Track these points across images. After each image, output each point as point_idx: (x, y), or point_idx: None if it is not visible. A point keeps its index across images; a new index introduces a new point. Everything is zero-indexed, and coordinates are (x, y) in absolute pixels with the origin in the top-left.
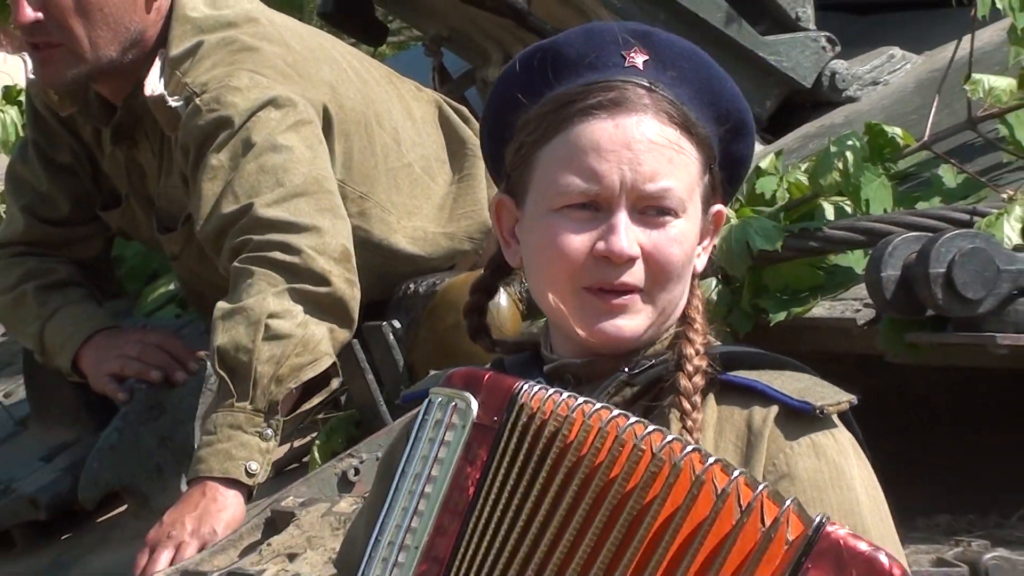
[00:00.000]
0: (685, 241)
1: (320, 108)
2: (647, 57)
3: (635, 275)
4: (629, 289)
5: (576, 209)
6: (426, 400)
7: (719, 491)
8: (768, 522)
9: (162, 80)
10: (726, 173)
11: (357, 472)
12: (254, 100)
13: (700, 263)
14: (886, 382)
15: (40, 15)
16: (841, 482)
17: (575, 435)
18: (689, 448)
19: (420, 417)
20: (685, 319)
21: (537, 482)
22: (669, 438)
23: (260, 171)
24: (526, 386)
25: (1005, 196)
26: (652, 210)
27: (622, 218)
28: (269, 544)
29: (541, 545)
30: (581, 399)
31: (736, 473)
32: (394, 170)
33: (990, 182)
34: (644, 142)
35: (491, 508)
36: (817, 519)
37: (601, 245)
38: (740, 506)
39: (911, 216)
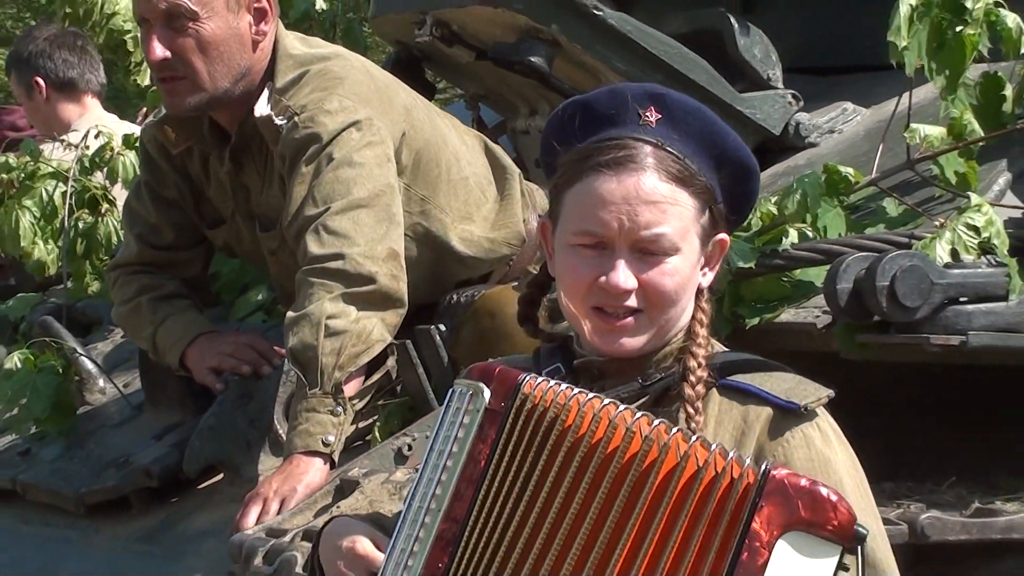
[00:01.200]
0: (677, 274)
1: (397, 126)
2: (660, 116)
3: (633, 301)
4: (629, 311)
5: (586, 247)
6: (450, 390)
7: (700, 463)
8: (736, 476)
9: (269, 104)
10: (731, 208)
11: (410, 448)
12: (340, 122)
13: (706, 281)
14: (841, 375)
15: (168, 54)
16: (828, 468)
17: (572, 419)
18: (674, 430)
19: (445, 404)
20: (690, 334)
21: (532, 454)
22: (656, 422)
23: (336, 181)
24: (528, 378)
25: (937, 223)
26: (647, 251)
27: (620, 259)
28: (338, 507)
29: (536, 504)
30: (576, 390)
31: (714, 447)
32: (454, 182)
33: (925, 212)
34: (641, 198)
35: (499, 477)
36: (764, 466)
37: (603, 279)
38: (716, 470)
39: (861, 239)
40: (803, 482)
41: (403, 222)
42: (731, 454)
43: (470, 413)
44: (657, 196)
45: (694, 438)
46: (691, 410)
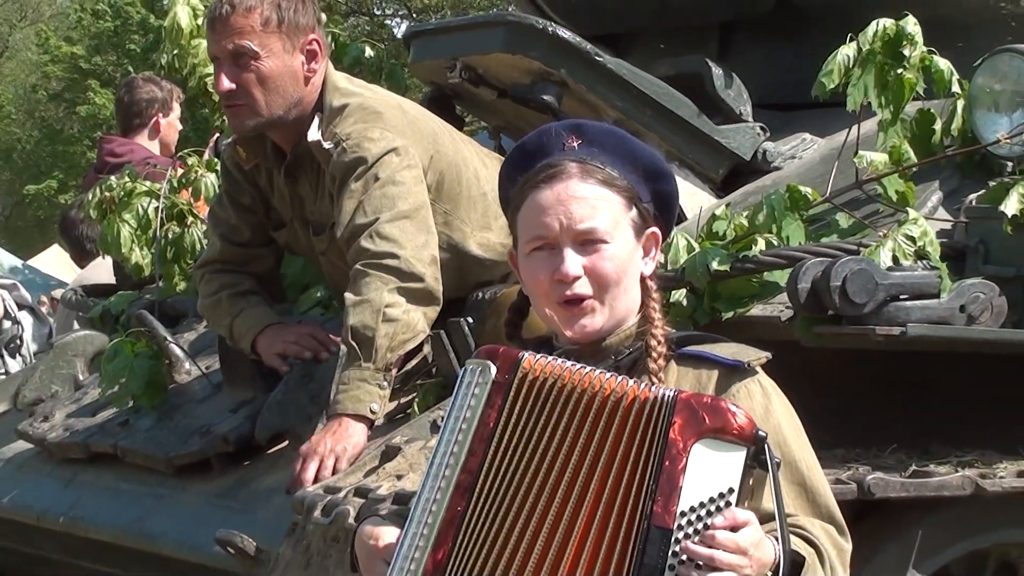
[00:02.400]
0: (616, 258)
1: (425, 152)
2: (580, 141)
3: (583, 287)
4: (582, 298)
5: (538, 251)
6: (463, 368)
7: (632, 395)
8: (654, 399)
9: (319, 131)
10: (658, 206)
11: (443, 420)
12: (382, 148)
13: (647, 269)
14: (801, 359)
15: (233, 86)
16: (768, 415)
17: (563, 383)
18: (631, 382)
19: (459, 380)
20: (647, 319)
21: (531, 414)
22: (619, 377)
23: (383, 196)
24: (527, 355)
25: (881, 234)
26: (587, 242)
27: (567, 251)
28: (384, 468)
29: (537, 454)
30: (560, 360)
31: (643, 386)
32: (473, 197)
33: (871, 224)
34: (572, 198)
35: (506, 436)
36: (672, 391)
37: (556, 273)
38: (641, 397)
39: (817, 247)
40: (706, 399)
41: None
42: (651, 386)
43: (480, 385)
44: (585, 194)
45: (631, 381)
46: (654, 380)
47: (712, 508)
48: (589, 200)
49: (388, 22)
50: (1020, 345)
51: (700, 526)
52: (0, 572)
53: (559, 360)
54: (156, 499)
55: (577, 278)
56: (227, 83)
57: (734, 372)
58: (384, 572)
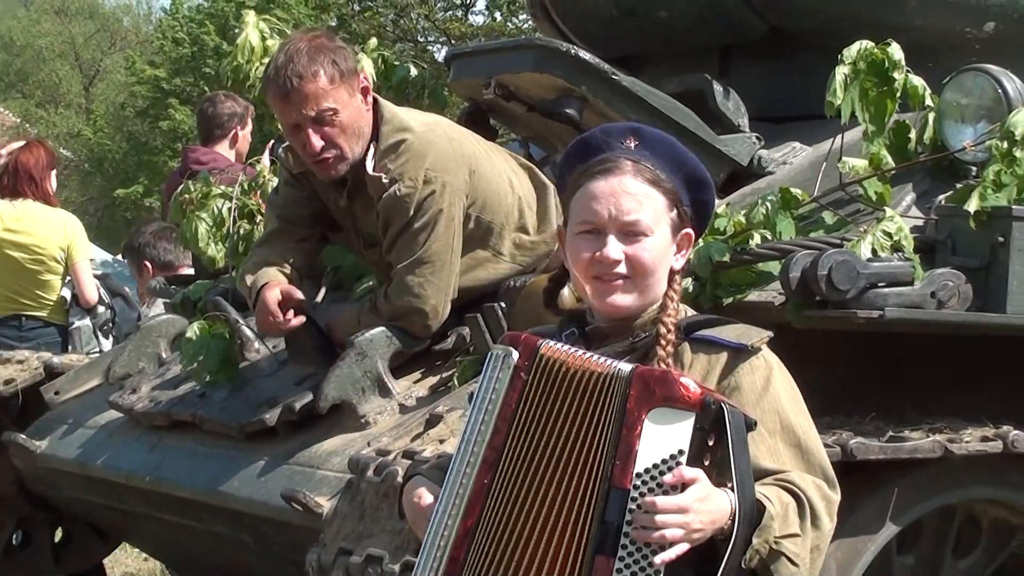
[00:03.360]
0: (654, 250)
1: (467, 173)
2: (637, 143)
3: (621, 270)
4: (619, 276)
5: (586, 233)
6: (489, 353)
7: (602, 372)
8: (616, 375)
9: (373, 163)
10: (694, 211)
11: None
12: (427, 191)
13: (677, 264)
14: (792, 339)
15: (323, 143)
16: (768, 388)
17: (571, 368)
18: (607, 361)
19: (486, 364)
20: (664, 306)
21: (547, 397)
22: (603, 359)
23: (419, 232)
24: (545, 343)
25: (862, 229)
26: (630, 232)
27: (611, 238)
28: (428, 434)
29: (545, 433)
30: (575, 349)
31: (607, 363)
32: (508, 204)
33: (853, 221)
34: (622, 192)
35: (525, 415)
36: (630, 367)
37: (598, 254)
38: (608, 374)
39: (806, 241)
40: (658, 372)
41: (459, 261)
42: (612, 363)
43: (504, 370)
44: (634, 191)
45: (607, 361)
46: (663, 365)
47: (664, 468)
48: (637, 196)
49: (430, 47)
50: (984, 327)
51: (654, 485)
52: (93, 524)
53: (570, 347)
54: (229, 461)
55: (617, 262)
56: (317, 143)
57: (740, 353)
58: (425, 529)
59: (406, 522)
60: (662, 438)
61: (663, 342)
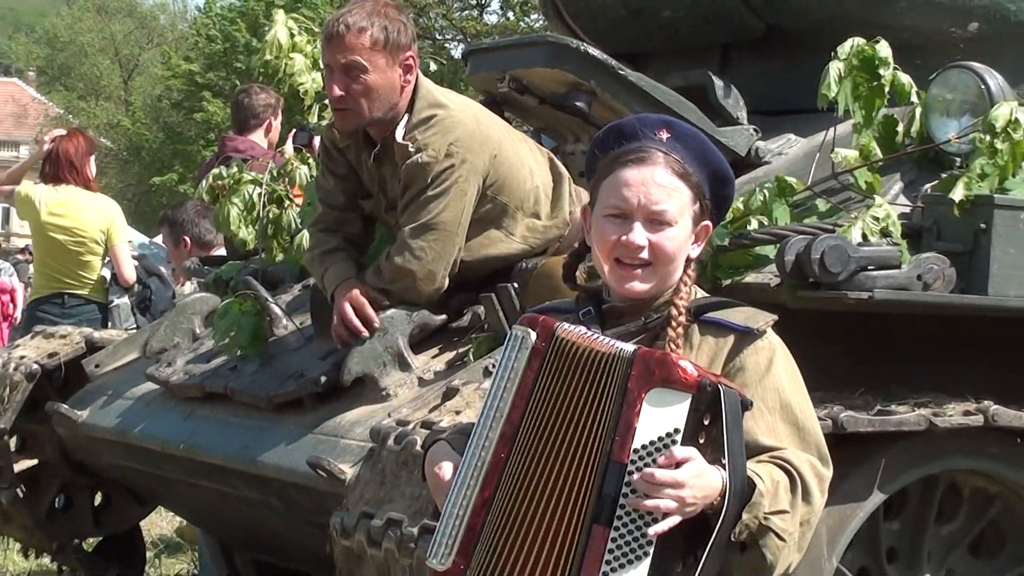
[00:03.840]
0: (675, 239)
1: (489, 155)
2: (669, 135)
3: (644, 256)
4: (641, 263)
5: (614, 217)
6: (509, 333)
7: (609, 353)
8: (620, 356)
9: (404, 132)
10: (715, 204)
11: (494, 366)
12: (447, 163)
13: (694, 253)
14: (786, 319)
15: (343, 93)
16: (771, 369)
17: (585, 351)
18: (613, 343)
19: (506, 344)
20: (677, 290)
21: (561, 376)
22: (611, 342)
23: (431, 200)
24: (562, 326)
25: (853, 216)
26: (655, 221)
27: (637, 224)
28: (445, 405)
29: (559, 409)
30: (588, 331)
31: (610, 344)
32: (527, 190)
33: (844, 208)
34: (653, 183)
35: (541, 393)
36: (633, 349)
37: (624, 238)
38: (613, 354)
39: (800, 227)
40: (658, 354)
41: (464, 237)
42: (614, 344)
43: (522, 351)
44: (664, 182)
45: (616, 343)
46: (673, 345)
47: (660, 445)
48: (666, 188)
49: (447, 45)
50: (966, 308)
51: (649, 460)
52: (130, 489)
53: (584, 330)
54: (259, 430)
55: (641, 248)
56: (338, 90)
57: (746, 335)
58: (444, 498)
59: (426, 485)
60: (659, 417)
61: (674, 323)
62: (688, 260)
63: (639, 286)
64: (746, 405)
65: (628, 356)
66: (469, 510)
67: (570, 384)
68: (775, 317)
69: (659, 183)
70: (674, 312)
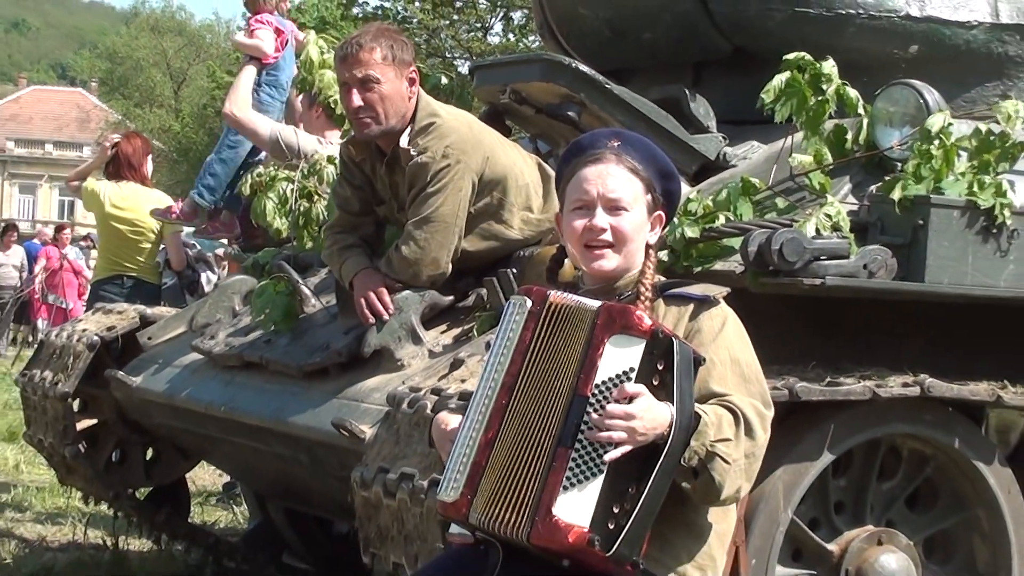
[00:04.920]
0: (632, 223)
1: (482, 158)
2: (619, 143)
3: (606, 238)
4: (604, 244)
5: (579, 210)
6: (508, 301)
7: (583, 308)
8: (591, 308)
9: (407, 139)
10: (664, 198)
11: (494, 339)
12: (444, 163)
13: (652, 238)
14: (749, 302)
15: (361, 103)
16: (723, 330)
17: (566, 308)
18: (587, 302)
19: (505, 310)
20: (642, 272)
21: (554, 335)
22: (588, 301)
23: (431, 196)
24: (554, 292)
25: (807, 212)
26: (614, 207)
27: (598, 211)
28: (452, 375)
29: (550, 362)
30: (573, 296)
31: (579, 301)
32: (519, 187)
33: (800, 206)
34: (608, 175)
35: (536, 349)
36: (600, 303)
37: (589, 224)
38: (587, 308)
39: (762, 222)
40: (619, 306)
41: (463, 228)
42: (590, 301)
43: (519, 314)
44: (616, 175)
45: (592, 302)
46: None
47: (617, 381)
48: (619, 179)
49: (456, 62)
50: (906, 294)
51: (608, 395)
52: (178, 445)
53: (572, 295)
54: (290, 395)
55: (603, 230)
56: (357, 101)
57: (703, 303)
58: (450, 448)
59: (433, 448)
60: (618, 357)
61: (642, 298)
62: (648, 247)
63: (606, 265)
64: (698, 361)
65: (595, 308)
66: (475, 449)
67: (556, 337)
68: (727, 290)
69: (612, 175)
70: (642, 289)
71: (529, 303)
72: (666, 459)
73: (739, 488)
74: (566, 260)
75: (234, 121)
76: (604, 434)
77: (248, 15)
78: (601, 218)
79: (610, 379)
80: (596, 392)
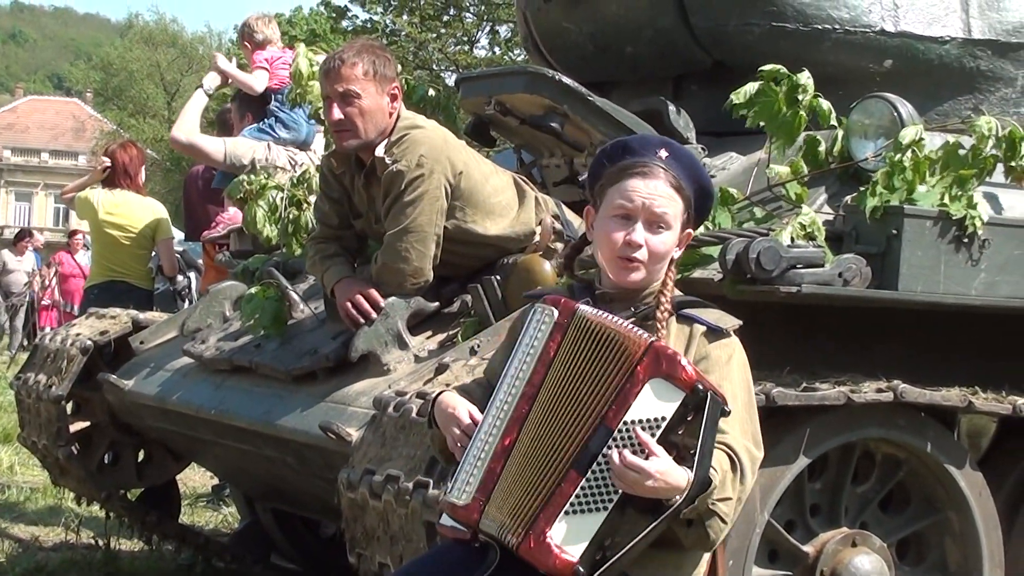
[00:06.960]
0: (668, 242)
1: (455, 171)
2: (668, 154)
3: (642, 254)
4: (638, 261)
5: (619, 217)
6: (533, 308)
7: (631, 338)
8: (640, 343)
9: (383, 149)
10: (696, 216)
11: (479, 346)
12: (418, 172)
13: (676, 255)
14: (727, 309)
15: (342, 116)
16: (729, 363)
17: (606, 330)
18: (635, 331)
19: (530, 317)
20: (664, 284)
21: (580, 351)
22: (633, 328)
23: (408, 206)
24: (583, 306)
25: (784, 222)
26: (654, 224)
27: (639, 225)
28: (437, 379)
29: (576, 377)
30: (605, 313)
31: (647, 337)
32: (490, 203)
33: (777, 215)
34: (657, 194)
35: (561, 362)
36: (651, 339)
37: (628, 237)
38: (634, 340)
39: (740, 231)
40: (670, 352)
41: (441, 235)
42: (641, 334)
43: (545, 324)
44: (663, 192)
45: (636, 330)
46: (661, 330)
47: (646, 425)
48: (666, 196)
49: (442, 74)
50: (880, 301)
51: (632, 434)
52: (169, 447)
53: (605, 313)
54: (279, 399)
55: (640, 246)
56: (338, 114)
57: (715, 332)
58: (456, 432)
59: (432, 430)
60: (654, 403)
61: (661, 310)
62: (671, 261)
63: (635, 276)
64: (725, 412)
65: (645, 344)
66: (491, 454)
67: (584, 355)
68: (740, 322)
69: (661, 194)
70: (663, 300)
71: (556, 314)
72: (671, 513)
73: (726, 533)
74: (546, 267)
75: (180, 146)
76: (618, 472)
77: (247, 44)
78: (640, 233)
79: (640, 421)
80: (623, 427)
